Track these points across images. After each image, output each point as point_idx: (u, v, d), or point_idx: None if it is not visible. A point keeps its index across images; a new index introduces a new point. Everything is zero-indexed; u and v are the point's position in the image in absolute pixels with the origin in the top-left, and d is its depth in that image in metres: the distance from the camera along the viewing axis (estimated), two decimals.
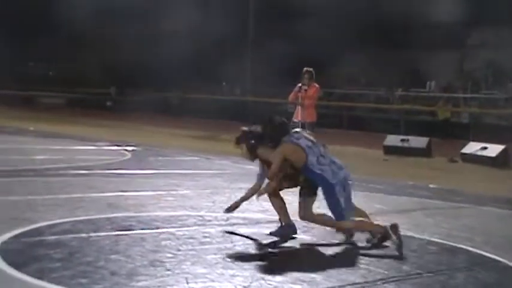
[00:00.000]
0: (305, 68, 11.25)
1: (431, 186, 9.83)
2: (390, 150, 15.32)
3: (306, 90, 11.15)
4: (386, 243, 5.32)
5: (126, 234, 5.28)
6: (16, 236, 4.93)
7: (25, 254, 4.47)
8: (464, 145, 14.89)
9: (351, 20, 25.95)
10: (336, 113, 25.93)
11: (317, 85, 11.31)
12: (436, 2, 23.40)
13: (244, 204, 6.95)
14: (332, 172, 5.37)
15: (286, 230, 5.55)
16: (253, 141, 5.56)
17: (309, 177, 5.40)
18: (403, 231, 6.01)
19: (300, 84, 11.26)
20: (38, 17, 31.11)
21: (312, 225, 5.69)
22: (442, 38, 25.26)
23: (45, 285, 3.79)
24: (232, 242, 5.26)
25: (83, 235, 5.12)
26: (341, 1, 26.48)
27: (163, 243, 5.08)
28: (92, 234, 5.18)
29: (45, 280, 3.87)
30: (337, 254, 5.28)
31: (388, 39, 26.02)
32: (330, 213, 5.42)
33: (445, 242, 5.81)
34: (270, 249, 5.19)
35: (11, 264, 4.14)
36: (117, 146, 13.26)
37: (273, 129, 5.56)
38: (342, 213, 5.34)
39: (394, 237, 5.23)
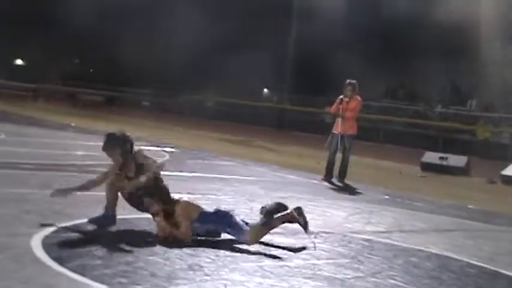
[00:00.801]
0: (348, 80, 11.18)
1: (470, 207, 9.66)
2: (428, 167, 15.15)
3: (347, 102, 11.08)
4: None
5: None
6: (58, 231, 5.00)
7: (67, 249, 4.52)
8: (504, 166, 14.62)
9: (392, 33, 25.80)
10: (373, 126, 25.75)
11: (359, 98, 11.22)
12: (481, 23, 23.09)
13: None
14: None
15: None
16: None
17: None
18: (442, 252, 5.93)
19: (341, 96, 11.19)
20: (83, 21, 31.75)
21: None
22: (484, 56, 24.91)
23: (88, 282, 3.83)
24: (269, 251, 5.24)
25: (123, 234, 5.16)
26: (383, 16, 26.34)
27: (201, 247, 5.08)
28: (130, 233, 5.22)
29: (88, 277, 3.91)
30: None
31: (430, 55, 25.78)
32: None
33: (485, 265, 5.69)
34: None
35: (54, 258, 4.20)
36: (155, 146, 13.37)
37: None
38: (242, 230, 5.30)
39: (300, 219, 5.55)
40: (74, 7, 29.68)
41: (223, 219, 5.36)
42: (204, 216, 5.34)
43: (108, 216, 5.38)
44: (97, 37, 32.94)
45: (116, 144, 5.51)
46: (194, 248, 5.03)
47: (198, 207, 5.41)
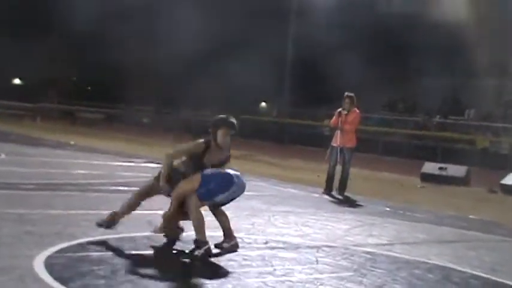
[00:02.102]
0: (346, 93, 11.21)
1: (471, 217, 9.66)
2: (427, 178, 15.15)
3: (346, 115, 11.11)
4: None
5: (165, 253, 5.30)
6: (60, 251, 4.99)
7: (70, 269, 4.51)
8: (503, 175, 14.63)
9: (389, 45, 25.88)
10: (372, 138, 25.74)
11: (358, 110, 11.25)
12: (477, 31, 23.21)
13: (284, 228, 6.96)
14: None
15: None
16: None
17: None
18: (445, 263, 5.92)
19: (340, 109, 11.22)
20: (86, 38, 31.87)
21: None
22: (483, 65, 24.99)
23: None
24: (272, 266, 5.23)
25: (125, 252, 5.16)
26: (379, 27, 26.46)
27: (203, 263, 5.08)
28: (133, 252, 5.22)
29: None
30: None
31: (427, 66, 25.87)
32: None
33: (488, 276, 5.68)
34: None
35: (57, 279, 4.18)
36: (155, 163, 13.37)
37: None
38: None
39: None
40: (71, 24, 29.83)
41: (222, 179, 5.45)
42: (205, 177, 5.42)
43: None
44: (95, 54, 33.05)
45: None
46: (197, 264, 5.03)
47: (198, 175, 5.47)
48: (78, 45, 32.91)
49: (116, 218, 5.71)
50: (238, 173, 5.62)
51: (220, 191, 5.45)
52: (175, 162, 5.63)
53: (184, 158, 5.66)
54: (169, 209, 5.54)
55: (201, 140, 5.60)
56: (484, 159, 21.29)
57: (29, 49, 32.01)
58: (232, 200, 5.63)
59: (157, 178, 5.66)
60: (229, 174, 5.55)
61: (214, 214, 5.67)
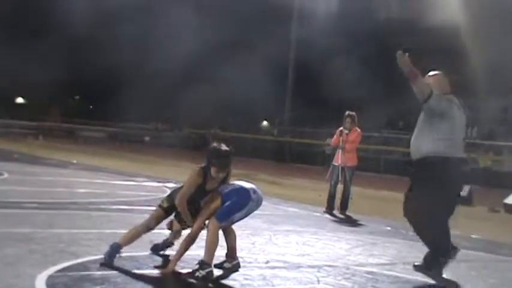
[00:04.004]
0: (347, 112, 11.25)
1: (473, 236, 9.64)
2: None
3: (347, 134, 11.15)
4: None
5: (167, 273, 5.31)
6: (62, 270, 5.00)
7: None
8: (506, 195, 14.61)
9: (389, 62, 26.03)
10: (373, 157, 25.77)
11: (359, 129, 11.29)
12: (478, 49, 23.32)
13: (285, 247, 6.95)
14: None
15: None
16: None
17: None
18: (446, 283, 5.91)
19: (341, 128, 11.26)
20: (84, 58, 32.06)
21: None
22: (485, 84, 25.08)
23: None
24: (273, 286, 5.24)
25: (128, 271, 5.17)
26: (379, 47, 26.59)
27: (205, 283, 5.09)
28: (136, 271, 5.23)
29: None
30: None
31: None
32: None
33: None
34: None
35: None
36: (158, 182, 13.41)
37: None
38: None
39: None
40: (72, 39, 30.06)
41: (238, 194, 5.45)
42: (225, 195, 5.43)
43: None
44: (97, 72, 33.25)
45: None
46: (198, 285, 5.03)
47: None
48: (80, 63, 33.12)
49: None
50: (254, 187, 5.59)
51: (237, 210, 5.44)
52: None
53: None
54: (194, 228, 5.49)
55: (198, 169, 5.52)
56: (487, 178, 21.28)
57: (30, 67, 32.23)
58: (248, 215, 5.61)
59: (165, 208, 5.63)
60: (246, 190, 5.51)
61: (223, 231, 5.65)
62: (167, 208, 5.65)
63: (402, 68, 5.48)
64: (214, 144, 5.60)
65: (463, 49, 24.06)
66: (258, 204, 5.57)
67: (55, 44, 30.86)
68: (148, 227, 5.64)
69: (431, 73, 5.92)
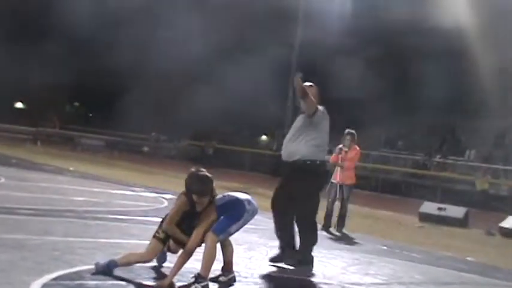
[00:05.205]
0: (347, 130, 11.28)
1: (468, 259, 9.62)
2: (426, 218, 15.12)
3: (346, 152, 11.16)
4: None
5: (162, 286, 5.28)
6: (56, 278, 4.97)
7: None
8: (502, 218, 14.60)
9: (390, 83, 26.07)
10: (371, 176, 25.76)
11: (358, 148, 11.31)
12: (482, 73, 23.41)
13: (281, 263, 6.91)
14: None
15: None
16: None
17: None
18: None
19: (340, 146, 11.27)
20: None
21: None
22: (485, 106, 25.15)
23: None
24: None
25: (122, 282, 5.13)
26: (378, 68, 26.68)
27: None
28: (131, 282, 5.19)
29: None
30: None
31: (427, 105, 26.01)
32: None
33: None
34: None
35: None
36: (155, 192, 13.38)
37: None
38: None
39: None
40: (72, 46, 30.13)
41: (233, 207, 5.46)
42: (220, 208, 5.42)
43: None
44: (97, 78, 33.29)
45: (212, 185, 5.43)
46: None
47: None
48: (80, 69, 33.16)
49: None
50: (249, 197, 5.59)
51: (233, 222, 5.42)
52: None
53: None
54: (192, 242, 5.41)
55: (183, 198, 5.40)
56: (483, 201, 21.28)
57: (31, 72, 32.26)
58: (243, 226, 5.58)
59: (161, 239, 5.52)
60: (240, 201, 5.51)
61: (221, 244, 5.61)
62: (164, 238, 5.54)
63: (296, 87, 6.69)
64: (193, 170, 5.51)
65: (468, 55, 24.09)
66: (253, 214, 5.56)
67: (56, 49, 30.95)
68: (146, 260, 5.51)
69: (307, 83, 6.88)
